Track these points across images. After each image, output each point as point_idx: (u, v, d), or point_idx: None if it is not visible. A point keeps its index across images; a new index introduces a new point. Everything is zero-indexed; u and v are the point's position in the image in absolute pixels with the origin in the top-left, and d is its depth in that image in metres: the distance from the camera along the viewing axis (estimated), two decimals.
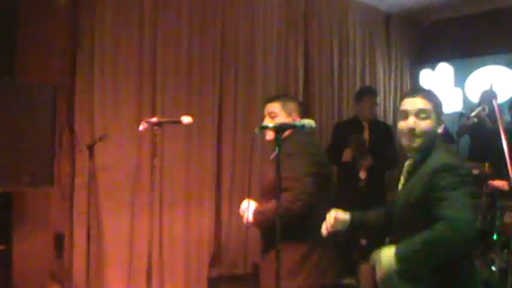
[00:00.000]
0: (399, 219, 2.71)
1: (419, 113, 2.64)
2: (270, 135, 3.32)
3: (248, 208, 3.35)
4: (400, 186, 2.77)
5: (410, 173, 2.69)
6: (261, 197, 3.49)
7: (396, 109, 7.48)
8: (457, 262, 2.49)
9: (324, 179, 3.39)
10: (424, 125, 2.63)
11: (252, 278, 5.55)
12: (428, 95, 2.71)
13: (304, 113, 6.47)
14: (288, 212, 3.07)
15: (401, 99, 2.76)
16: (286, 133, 3.28)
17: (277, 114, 3.44)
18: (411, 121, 2.64)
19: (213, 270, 5.72)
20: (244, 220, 3.33)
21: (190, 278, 5.49)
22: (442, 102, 2.75)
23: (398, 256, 2.41)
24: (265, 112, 3.53)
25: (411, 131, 2.63)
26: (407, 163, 2.74)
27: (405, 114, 2.66)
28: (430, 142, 2.64)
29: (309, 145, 3.42)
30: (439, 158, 2.57)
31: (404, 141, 2.68)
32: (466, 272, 2.57)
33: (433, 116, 2.65)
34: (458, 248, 2.41)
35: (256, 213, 3.34)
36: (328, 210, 2.91)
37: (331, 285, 3.37)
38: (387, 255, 2.46)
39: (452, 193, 2.40)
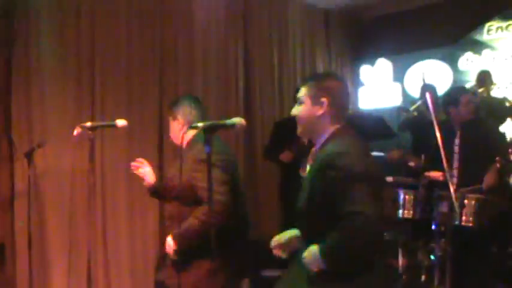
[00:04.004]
0: (304, 211, 2.66)
1: (298, 100, 2.71)
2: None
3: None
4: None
5: (313, 161, 2.69)
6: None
7: None
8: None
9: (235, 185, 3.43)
10: (299, 110, 2.70)
11: None
12: (306, 81, 2.76)
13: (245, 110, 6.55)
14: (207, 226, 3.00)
15: None
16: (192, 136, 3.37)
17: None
18: (294, 109, 2.74)
19: (159, 274, 5.67)
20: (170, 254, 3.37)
21: (136, 283, 5.44)
22: (325, 84, 2.70)
23: (323, 255, 2.44)
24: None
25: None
26: (312, 150, 2.79)
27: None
28: (313, 126, 2.66)
29: (220, 150, 3.31)
30: (331, 145, 2.57)
31: None
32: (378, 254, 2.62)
33: (307, 100, 2.67)
34: (367, 242, 2.42)
35: (178, 238, 3.33)
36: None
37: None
38: (311, 256, 2.49)
39: (351, 185, 2.41)
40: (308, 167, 2.76)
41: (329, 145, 2.58)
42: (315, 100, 2.63)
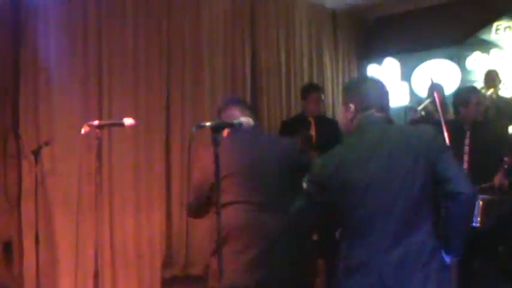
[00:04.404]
0: None
1: None
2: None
3: None
4: None
5: None
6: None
7: None
8: None
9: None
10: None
11: (207, 278, 5.55)
12: None
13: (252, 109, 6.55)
14: None
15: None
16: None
17: None
18: None
19: (166, 272, 5.70)
20: None
21: (143, 281, 5.46)
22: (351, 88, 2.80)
23: None
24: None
25: None
26: None
27: None
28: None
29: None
30: None
31: None
32: None
33: (341, 107, 2.74)
34: None
35: None
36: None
37: None
38: None
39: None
40: None
41: None
42: (345, 106, 2.68)
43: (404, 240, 2.40)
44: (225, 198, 2.97)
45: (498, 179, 4.53)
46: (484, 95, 5.82)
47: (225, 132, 3.02)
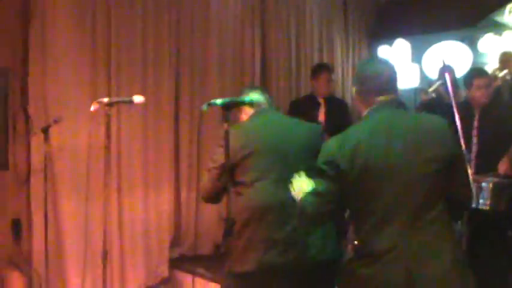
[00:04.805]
0: None
1: None
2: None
3: None
4: None
5: None
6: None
7: None
8: None
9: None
10: None
11: (215, 258, 5.57)
12: None
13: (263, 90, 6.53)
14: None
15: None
16: (246, 115, 3.11)
17: None
18: None
19: (174, 251, 5.72)
20: None
21: (151, 259, 5.49)
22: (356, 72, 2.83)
23: None
24: None
25: None
26: None
27: None
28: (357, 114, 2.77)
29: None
30: None
31: None
32: None
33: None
34: None
35: None
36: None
37: None
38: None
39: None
40: None
41: None
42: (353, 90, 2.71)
43: (425, 225, 2.39)
44: (251, 175, 2.94)
45: (503, 167, 4.47)
46: (494, 77, 5.75)
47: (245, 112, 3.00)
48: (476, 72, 5.04)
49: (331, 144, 2.52)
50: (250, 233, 2.89)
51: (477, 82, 4.74)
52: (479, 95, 4.73)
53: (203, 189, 3.10)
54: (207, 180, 3.04)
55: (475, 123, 4.75)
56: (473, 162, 4.66)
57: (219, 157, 2.84)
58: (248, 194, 2.95)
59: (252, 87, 3.53)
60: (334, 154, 2.46)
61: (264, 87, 5.54)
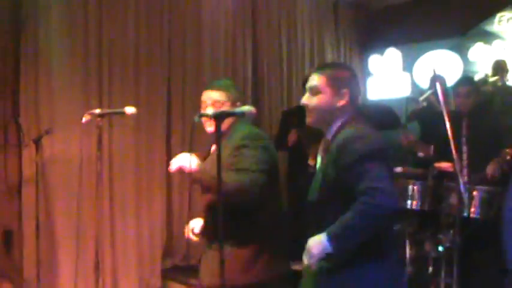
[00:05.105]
0: (317, 202, 2.61)
1: (311, 89, 2.63)
2: (210, 127, 2.96)
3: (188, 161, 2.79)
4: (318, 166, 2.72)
5: (326, 150, 2.63)
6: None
7: None
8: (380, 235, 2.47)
9: (274, 175, 3.07)
10: (314, 100, 2.63)
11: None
12: (322, 70, 2.68)
13: (253, 100, 6.54)
14: (236, 197, 2.78)
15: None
16: (228, 123, 3.00)
17: (222, 103, 3.05)
18: (304, 97, 2.65)
19: (166, 262, 5.70)
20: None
21: (143, 270, 5.47)
22: (343, 74, 2.67)
23: (331, 237, 2.36)
24: (206, 100, 3.09)
25: (306, 107, 2.65)
26: (323, 139, 2.70)
27: (305, 91, 2.68)
28: (329, 116, 2.62)
29: (258, 137, 3.06)
30: (345, 132, 2.55)
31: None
32: (389, 243, 2.57)
33: (327, 90, 2.61)
34: (384, 217, 2.39)
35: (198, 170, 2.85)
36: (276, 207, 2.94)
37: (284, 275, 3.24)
38: (316, 241, 2.41)
39: (368, 165, 2.39)
40: (319, 157, 2.70)
41: (344, 131, 2.55)
42: (335, 90, 2.61)
43: None
44: None
45: (491, 170, 4.51)
46: (485, 81, 5.81)
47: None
48: (459, 81, 5.13)
49: (379, 140, 2.56)
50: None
51: (457, 90, 4.82)
52: (458, 103, 4.79)
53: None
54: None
55: (464, 131, 4.79)
56: (465, 168, 4.70)
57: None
58: None
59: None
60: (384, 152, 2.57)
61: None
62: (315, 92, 2.62)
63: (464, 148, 4.76)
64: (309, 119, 2.66)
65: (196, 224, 3.30)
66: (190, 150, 2.55)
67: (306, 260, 2.45)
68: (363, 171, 2.38)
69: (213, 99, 3.06)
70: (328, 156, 2.57)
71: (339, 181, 2.48)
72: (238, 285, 2.82)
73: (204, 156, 3.17)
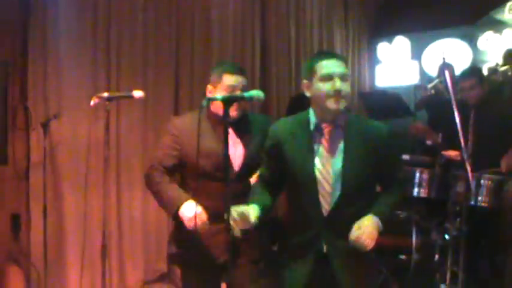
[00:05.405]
0: (348, 190, 2.66)
1: (343, 76, 2.65)
2: (234, 112, 2.92)
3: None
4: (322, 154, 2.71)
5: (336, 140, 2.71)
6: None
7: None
8: None
9: None
10: (347, 87, 2.67)
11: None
12: (344, 59, 2.78)
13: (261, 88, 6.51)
14: None
15: (315, 61, 2.72)
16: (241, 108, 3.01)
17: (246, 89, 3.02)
18: (338, 83, 2.62)
19: (172, 246, 5.70)
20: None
21: (150, 254, 5.49)
22: None
23: (383, 218, 2.66)
24: (237, 85, 3.02)
25: (339, 93, 2.62)
26: (326, 130, 2.71)
27: (329, 77, 2.63)
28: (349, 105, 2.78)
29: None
30: (373, 123, 2.81)
31: (330, 105, 2.63)
32: None
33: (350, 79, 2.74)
34: None
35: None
36: None
37: None
38: (374, 224, 2.61)
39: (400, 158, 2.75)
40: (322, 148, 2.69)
41: (375, 123, 2.81)
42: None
43: None
44: None
45: (505, 164, 4.48)
46: (495, 70, 5.77)
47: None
48: (461, 74, 5.04)
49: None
50: None
51: (461, 85, 4.79)
52: (463, 96, 4.77)
53: None
54: None
55: (471, 121, 4.76)
56: (470, 159, 4.67)
57: None
58: None
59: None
60: None
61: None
62: (346, 78, 2.68)
63: (470, 137, 4.74)
64: (342, 105, 2.65)
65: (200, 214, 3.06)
66: (198, 136, 2.52)
67: (364, 241, 2.57)
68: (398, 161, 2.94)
69: (242, 84, 3.04)
70: (359, 144, 2.70)
71: (377, 168, 2.71)
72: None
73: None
